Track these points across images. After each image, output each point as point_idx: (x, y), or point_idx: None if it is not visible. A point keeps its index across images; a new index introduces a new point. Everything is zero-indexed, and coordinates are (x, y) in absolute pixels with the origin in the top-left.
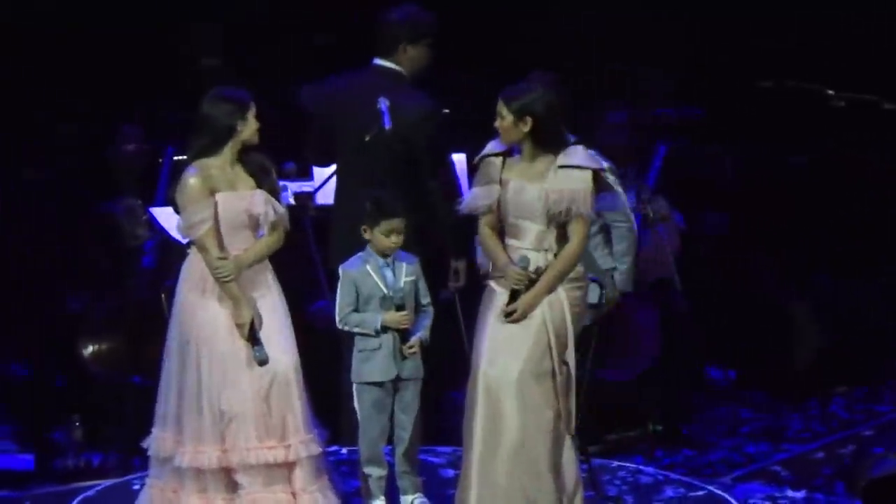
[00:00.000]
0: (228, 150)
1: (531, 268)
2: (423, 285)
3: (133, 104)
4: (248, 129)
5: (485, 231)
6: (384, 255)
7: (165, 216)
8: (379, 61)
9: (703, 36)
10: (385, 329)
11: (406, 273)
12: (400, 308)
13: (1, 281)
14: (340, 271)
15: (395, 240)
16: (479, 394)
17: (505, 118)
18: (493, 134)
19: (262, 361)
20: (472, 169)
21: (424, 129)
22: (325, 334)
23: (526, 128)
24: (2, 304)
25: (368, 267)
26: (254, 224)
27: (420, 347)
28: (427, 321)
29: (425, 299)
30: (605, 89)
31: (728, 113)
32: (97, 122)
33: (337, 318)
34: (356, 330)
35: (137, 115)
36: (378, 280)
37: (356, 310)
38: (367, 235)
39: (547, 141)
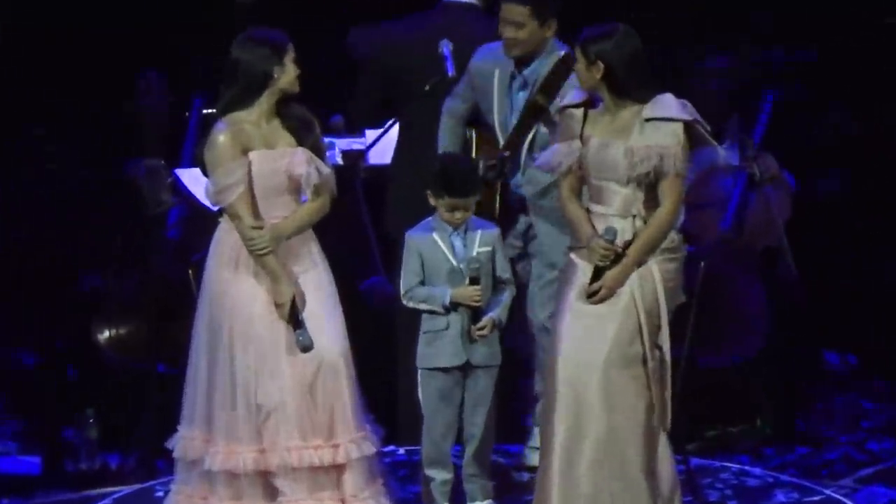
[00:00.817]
0: (264, 102)
1: (618, 240)
2: (501, 257)
3: (154, 47)
4: (287, 76)
5: (565, 194)
6: (457, 222)
7: (192, 179)
8: None
9: None
10: (455, 306)
11: (480, 243)
12: (473, 282)
13: (4, 256)
14: (406, 238)
15: (459, 216)
16: (559, 384)
17: (580, 62)
18: None
19: (306, 347)
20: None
21: None
22: (379, 315)
23: (598, 74)
24: (5, 282)
25: (436, 235)
26: (294, 187)
27: (494, 329)
28: (504, 299)
29: (504, 274)
30: (702, 29)
31: (848, 56)
32: (111, 70)
33: (402, 291)
34: (422, 306)
35: (159, 61)
36: (446, 250)
37: (423, 283)
38: (432, 202)
39: (626, 90)
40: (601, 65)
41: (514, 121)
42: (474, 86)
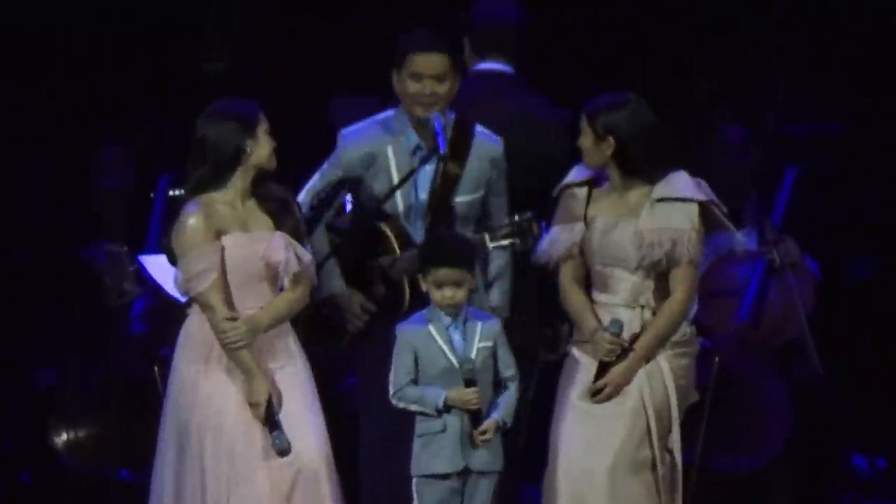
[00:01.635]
0: (237, 180)
1: (625, 333)
2: (504, 352)
3: (116, 120)
4: (260, 150)
5: (566, 282)
6: (450, 314)
7: (158, 266)
8: (486, 65)
9: (841, 28)
10: (450, 408)
11: (481, 336)
12: (469, 383)
13: None
14: (397, 332)
15: (448, 294)
16: (560, 496)
17: (586, 136)
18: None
19: (283, 451)
20: (553, 201)
21: (558, 147)
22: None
23: (609, 150)
24: None
25: (432, 328)
26: (272, 275)
27: (498, 432)
28: (508, 399)
29: (508, 371)
30: (718, 99)
31: (879, 128)
32: (69, 144)
33: (390, 391)
34: (414, 408)
35: (122, 135)
36: (443, 344)
37: (415, 381)
38: (424, 287)
39: (637, 167)
40: (612, 140)
41: (422, 200)
42: (351, 178)
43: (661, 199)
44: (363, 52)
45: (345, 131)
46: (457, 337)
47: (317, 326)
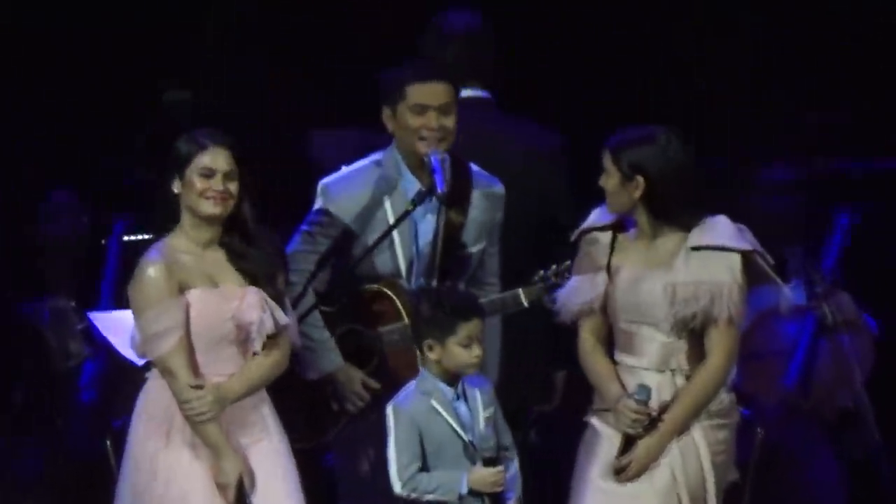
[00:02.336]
0: (194, 226)
1: (653, 401)
2: (501, 418)
3: (64, 159)
4: (187, 191)
5: (586, 341)
6: (452, 381)
7: (112, 325)
8: (466, 92)
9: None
10: (473, 493)
11: (484, 405)
12: (491, 462)
13: None
14: (390, 411)
15: (477, 352)
16: None
17: (610, 176)
18: (593, 198)
19: None
20: (572, 245)
21: (555, 178)
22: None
23: (637, 192)
24: None
25: (434, 402)
26: (243, 338)
27: None
28: (515, 472)
29: (507, 439)
30: (757, 136)
31: None
32: (10, 188)
33: (396, 483)
34: (429, 497)
35: (70, 177)
36: (451, 421)
37: (423, 468)
38: (433, 355)
39: (670, 210)
40: (640, 180)
41: (424, 253)
42: (342, 231)
43: (697, 248)
44: (345, 82)
45: (328, 182)
46: (463, 409)
47: (312, 412)
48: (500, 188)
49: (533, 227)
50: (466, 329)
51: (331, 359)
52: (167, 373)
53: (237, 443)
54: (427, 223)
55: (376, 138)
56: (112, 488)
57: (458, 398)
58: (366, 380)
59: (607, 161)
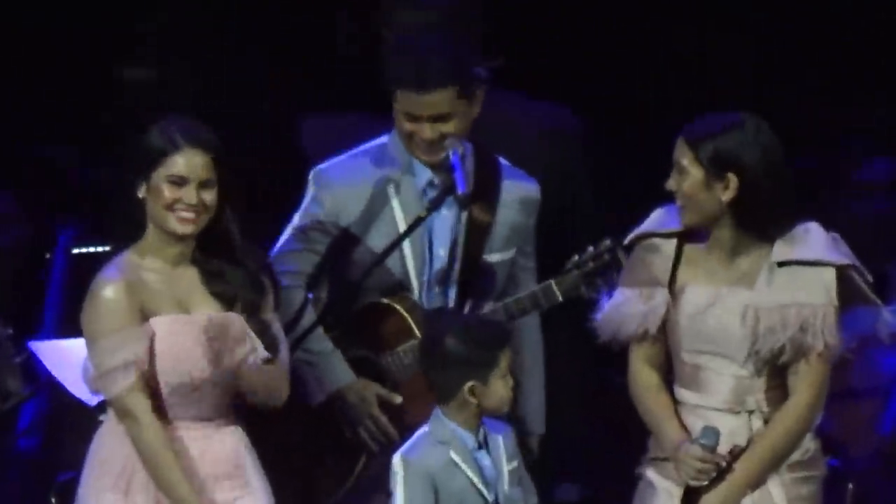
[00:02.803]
0: (154, 240)
1: (723, 446)
2: (524, 471)
3: (2, 153)
4: (153, 200)
5: (641, 373)
6: (473, 427)
7: (58, 355)
8: None
9: None
10: None
11: (508, 456)
12: None
13: None
14: (398, 463)
15: (511, 383)
16: None
17: (689, 173)
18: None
19: None
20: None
21: (581, 165)
22: None
23: (727, 193)
24: None
25: (453, 453)
26: (221, 377)
27: None
28: None
29: (532, 498)
30: (849, 127)
31: None
32: None
33: None
34: None
35: (6, 177)
36: (473, 475)
37: None
38: (471, 397)
39: (762, 217)
40: (732, 178)
41: (440, 260)
42: (339, 226)
43: (784, 263)
44: (339, 60)
45: (322, 168)
46: (486, 461)
47: (316, 468)
48: (534, 189)
49: (556, 222)
50: (506, 357)
51: (338, 373)
52: (126, 415)
53: (211, 501)
54: (443, 223)
55: (377, 124)
56: None
57: (479, 447)
58: (385, 395)
59: (685, 156)
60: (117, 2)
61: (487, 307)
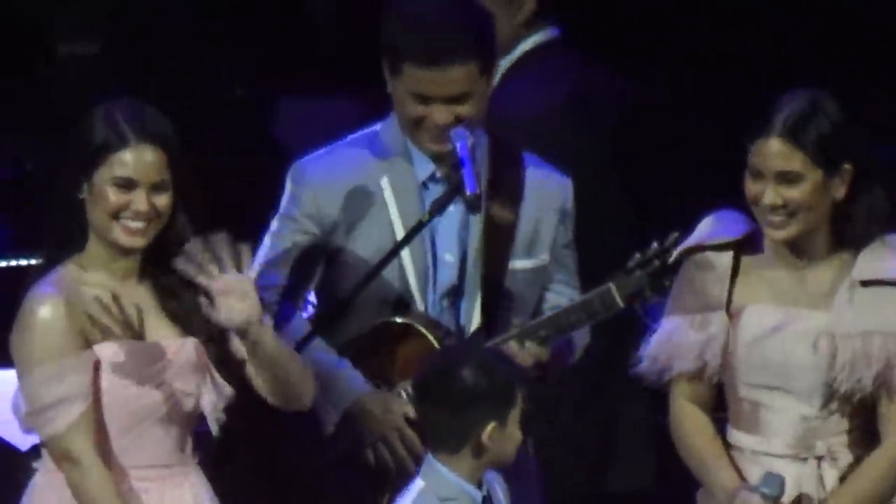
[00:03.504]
0: (104, 253)
1: (787, 498)
2: None
3: None
4: (95, 205)
5: (685, 410)
6: (478, 480)
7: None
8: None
9: None
10: None
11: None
12: None
13: None
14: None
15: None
16: None
17: (804, 178)
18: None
19: None
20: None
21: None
22: None
23: (843, 188)
24: None
25: None
26: (178, 414)
27: None
28: None
29: None
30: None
31: None
32: None
33: None
34: None
35: None
36: None
37: None
38: (489, 442)
39: (863, 219)
40: (849, 171)
41: (448, 266)
42: (324, 230)
43: (869, 283)
44: (320, 32)
45: (301, 162)
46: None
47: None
48: (566, 185)
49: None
50: (521, 396)
51: (355, 382)
52: (65, 459)
53: None
54: (450, 223)
55: (365, 108)
56: None
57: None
58: (411, 414)
59: (795, 160)
60: None
61: (518, 323)
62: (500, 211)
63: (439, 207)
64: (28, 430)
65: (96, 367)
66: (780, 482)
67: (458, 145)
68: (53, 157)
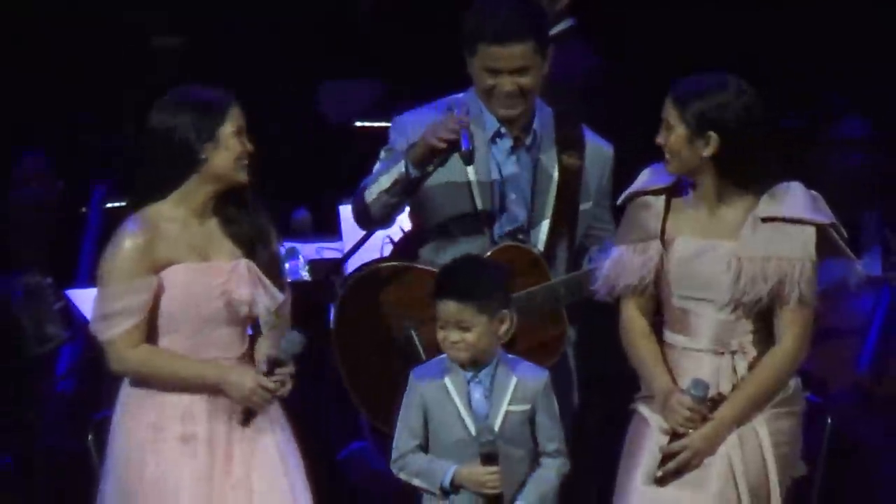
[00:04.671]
0: (192, 194)
1: (711, 393)
2: (547, 420)
3: (36, 117)
4: (219, 158)
5: (634, 321)
6: (470, 365)
7: (92, 304)
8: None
9: None
10: (458, 489)
11: (513, 398)
12: (488, 459)
13: None
14: (410, 378)
15: (453, 338)
16: None
17: (674, 129)
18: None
19: (299, 343)
20: (618, 210)
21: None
22: (362, 493)
23: (708, 150)
24: None
25: (448, 380)
26: (237, 317)
27: None
28: (541, 482)
29: (550, 444)
30: (828, 87)
31: None
32: None
33: (392, 456)
34: (417, 482)
35: (43, 137)
36: (460, 404)
37: (422, 447)
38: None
39: (743, 173)
40: (713, 136)
41: (514, 215)
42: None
43: (768, 219)
44: (360, 25)
45: (403, 115)
46: (478, 395)
47: None
48: (609, 148)
49: None
50: (438, 307)
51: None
52: (113, 358)
53: (230, 437)
54: (510, 166)
55: (394, 89)
56: (94, 487)
57: (478, 382)
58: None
59: (671, 114)
60: None
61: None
62: (570, 159)
63: (440, 161)
64: (93, 333)
65: (159, 288)
66: (704, 386)
67: (455, 112)
68: (148, 141)
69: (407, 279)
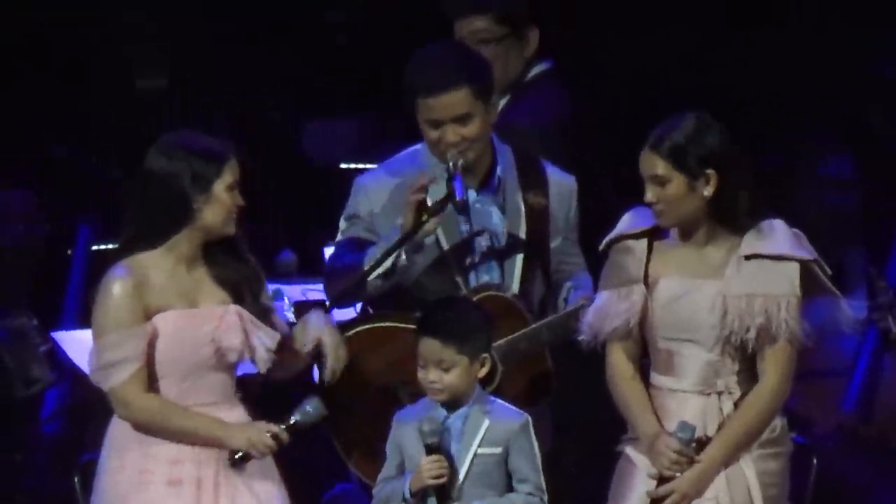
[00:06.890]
0: (182, 243)
1: (697, 434)
2: (522, 462)
3: (22, 153)
4: (212, 212)
5: (620, 366)
6: (455, 405)
7: (79, 345)
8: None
9: None
10: (418, 494)
11: (484, 440)
12: (431, 450)
13: None
14: (394, 419)
15: (431, 377)
16: None
17: (671, 181)
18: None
19: (318, 414)
20: (600, 256)
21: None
22: None
23: (709, 189)
24: None
25: (424, 424)
26: (224, 363)
27: None
28: (507, 501)
29: (523, 486)
30: (815, 126)
31: None
32: None
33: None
34: None
35: (27, 175)
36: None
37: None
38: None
39: (733, 209)
40: (712, 174)
41: (485, 253)
42: (375, 227)
43: (751, 257)
44: (343, 66)
45: (360, 180)
46: (456, 428)
47: None
48: (572, 180)
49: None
50: (421, 345)
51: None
52: (118, 405)
53: (216, 481)
54: (476, 215)
55: (379, 127)
56: None
57: (455, 419)
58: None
59: (660, 166)
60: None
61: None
62: (535, 198)
63: (437, 209)
64: (94, 382)
65: (153, 335)
66: (691, 428)
67: (450, 163)
68: (128, 168)
69: (390, 338)
